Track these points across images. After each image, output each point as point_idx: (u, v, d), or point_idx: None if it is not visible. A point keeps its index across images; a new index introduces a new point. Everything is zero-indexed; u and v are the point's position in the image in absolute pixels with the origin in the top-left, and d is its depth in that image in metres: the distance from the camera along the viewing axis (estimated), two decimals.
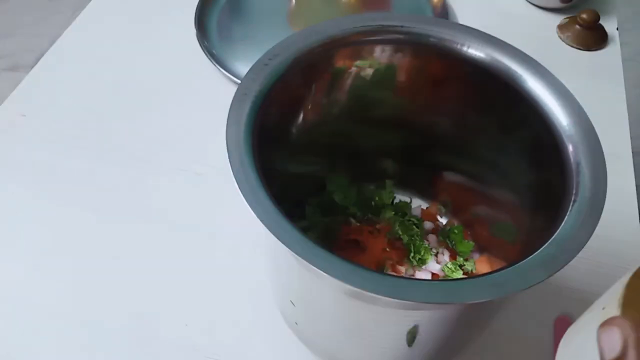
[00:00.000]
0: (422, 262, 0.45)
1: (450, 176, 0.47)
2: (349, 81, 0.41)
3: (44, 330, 0.45)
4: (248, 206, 0.29)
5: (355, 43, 0.38)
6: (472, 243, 0.46)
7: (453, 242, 0.46)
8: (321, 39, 0.37)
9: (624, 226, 0.51)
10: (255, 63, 0.35)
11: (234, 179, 0.30)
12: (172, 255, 0.50)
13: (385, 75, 0.41)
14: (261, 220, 0.28)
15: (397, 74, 0.41)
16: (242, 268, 0.48)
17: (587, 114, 0.34)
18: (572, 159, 0.33)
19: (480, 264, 0.45)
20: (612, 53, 0.68)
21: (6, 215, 0.52)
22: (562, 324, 0.44)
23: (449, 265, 0.45)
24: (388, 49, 0.39)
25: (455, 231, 0.46)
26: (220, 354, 0.44)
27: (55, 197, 0.53)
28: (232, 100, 0.33)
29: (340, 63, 0.40)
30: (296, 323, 0.40)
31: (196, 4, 0.68)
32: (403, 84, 0.42)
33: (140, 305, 0.47)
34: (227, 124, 0.32)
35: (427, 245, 0.46)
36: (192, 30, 0.66)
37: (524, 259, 0.28)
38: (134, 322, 0.46)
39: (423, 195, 0.50)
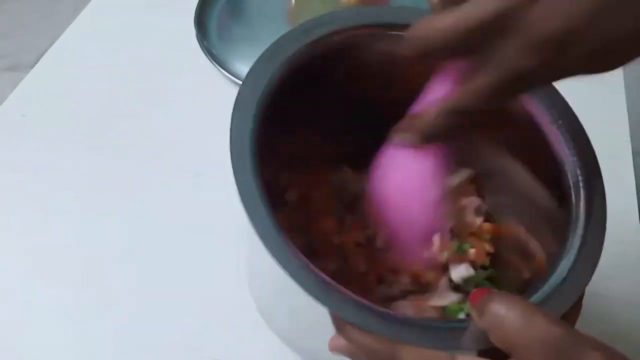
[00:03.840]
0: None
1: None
2: (356, 73, 0.40)
3: (43, 330, 0.45)
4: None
5: (369, 36, 0.38)
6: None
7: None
8: (334, 29, 0.36)
9: (624, 226, 0.51)
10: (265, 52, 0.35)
11: (231, 178, 0.30)
12: (172, 255, 0.50)
13: (388, 70, 0.40)
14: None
15: (400, 70, 0.40)
16: (242, 268, 0.48)
17: (587, 115, 0.34)
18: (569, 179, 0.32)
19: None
20: None
21: (6, 215, 0.52)
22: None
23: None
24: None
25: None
26: (220, 354, 0.44)
27: (55, 197, 0.53)
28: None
29: (352, 54, 0.39)
30: (253, 284, 0.40)
31: (196, 4, 0.68)
32: (405, 82, 0.41)
33: (140, 305, 0.47)
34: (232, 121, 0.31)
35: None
36: (192, 30, 0.66)
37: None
38: (134, 322, 0.46)
39: None
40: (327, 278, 0.26)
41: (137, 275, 0.48)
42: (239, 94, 0.33)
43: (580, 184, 0.32)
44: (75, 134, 0.58)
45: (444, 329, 0.26)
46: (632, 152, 0.58)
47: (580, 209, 0.31)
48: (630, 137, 0.59)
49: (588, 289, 0.29)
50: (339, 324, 0.26)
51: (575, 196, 0.31)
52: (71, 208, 0.52)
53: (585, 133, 0.33)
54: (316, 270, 0.26)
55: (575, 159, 0.33)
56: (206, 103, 0.61)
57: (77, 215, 0.52)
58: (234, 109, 0.32)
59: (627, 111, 0.62)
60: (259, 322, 0.46)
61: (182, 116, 0.60)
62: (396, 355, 0.24)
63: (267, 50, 0.35)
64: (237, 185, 0.29)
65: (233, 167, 0.30)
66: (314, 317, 0.34)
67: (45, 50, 0.66)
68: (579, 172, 0.32)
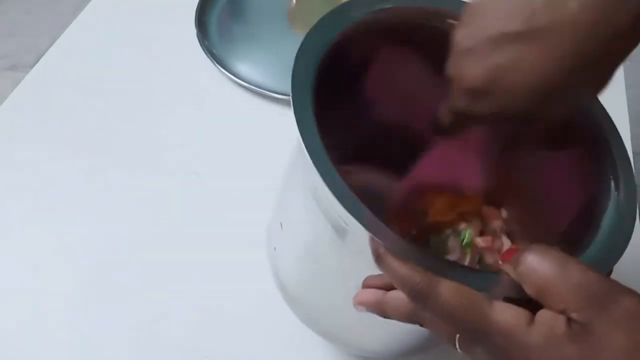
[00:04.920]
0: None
1: None
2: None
3: (43, 330, 0.45)
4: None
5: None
6: None
7: None
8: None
9: None
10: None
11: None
12: (171, 255, 0.50)
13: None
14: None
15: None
16: (242, 269, 0.48)
17: None
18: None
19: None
20: None
21: (6, 215, 0.52)
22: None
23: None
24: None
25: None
26: (220, 354, 0.44)
27: (56, 197, 0.53)
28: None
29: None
30: (275, 248, 0.40)
31: (196, 4, 0.68)
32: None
33: (141, 305, 0.47)
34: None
35: None
36: (192, 30, 0.66)
37: None
38: (134, 322, 0.46)
39: None
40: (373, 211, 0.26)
41: (136, 275, 0.48)
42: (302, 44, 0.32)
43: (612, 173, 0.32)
44: (76, 134, 0.58)
45: (486, 274, 0.26)
46: (632, 152, 0.58)
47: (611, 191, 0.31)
48: (631, 137, 0.59)
49: None
50: (380, 253, 0.26)
51: (614, 182, 0.32)
52: (71, 208, 0.52)
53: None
54: (364, 202, 0.26)
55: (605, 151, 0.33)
56: (207, 103, 0.61)
57: (77, 215, 0.52)
58: (296, 56, 0.31)
59: (627, 111, 0.62)
60: (259, 323, 0.46)
61: (182, 116, 0.60)
62: (434, 289, 0.25)
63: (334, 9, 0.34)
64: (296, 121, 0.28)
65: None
66: (339, 284, 0.34)
67: (45, 50, 0.66)
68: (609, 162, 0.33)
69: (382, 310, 0.29)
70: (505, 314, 0.23)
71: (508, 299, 0.24)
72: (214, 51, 0.65)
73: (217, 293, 0.47)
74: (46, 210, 0.52)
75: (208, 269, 0.49)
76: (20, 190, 0.54)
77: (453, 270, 0.25)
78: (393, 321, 0.29)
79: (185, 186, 0.54)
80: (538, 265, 0.23)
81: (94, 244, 0.50)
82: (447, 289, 0.24)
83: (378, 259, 0.26)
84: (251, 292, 0.47)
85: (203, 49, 0.64)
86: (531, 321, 0.23)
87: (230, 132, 0.59)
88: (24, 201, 0.53)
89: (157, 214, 0.52)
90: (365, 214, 0.26)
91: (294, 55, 0.31)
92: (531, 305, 0.23)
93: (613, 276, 0.27)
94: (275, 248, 0.40)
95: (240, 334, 0.46)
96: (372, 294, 0.29)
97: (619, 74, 0.66)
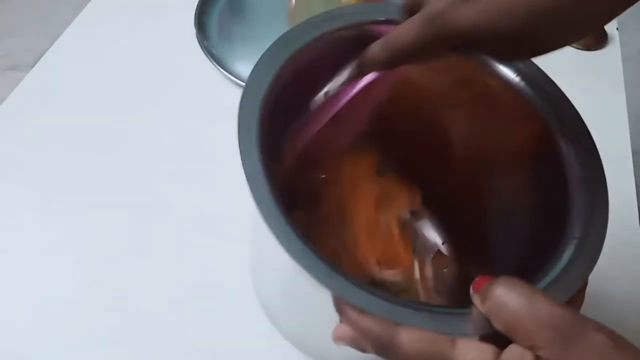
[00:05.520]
0: None
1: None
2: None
3: (43, 330, 0.45)
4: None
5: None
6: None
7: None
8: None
9: (624, 226, 0.51)
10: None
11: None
12: (171, 255, 0.50)
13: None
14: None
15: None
16: (241, 269, 0.48)
17: (587, 115, 0.34)
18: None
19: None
20: (612, 53, 0.68)
21: (7, 215, 0.52)
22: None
23: None
24: None
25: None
26: (219, 354, 0.44)
27: (56, 197, 0.53)
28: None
29: None
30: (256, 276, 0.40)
31: (196, 4, 0.68)
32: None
33: (140, 305, 0.47)
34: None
35: None
36: (192, 30, 0.66)
37: None
38: (133, 322, 0.46)
39: None
40: (329, 260, 0.26)
41: (136, 275, 0.48)
42: (246, 85, 0.32)
43: (581, 178, 0.32)
44: (76, 134, 0.58)
45: (447, 313, 0.26)
46: (632, 151, 0.58)
47: (581, 203, 0.31)
48: (630, 137, 0.59)
49: (588, 289, 0.29)
50: (340, 305, 0.26)
51: (577, 189, 0.31)
52: (71, 208, 0.52)
53: (587, 129, 0.33)
54: (318, 252, 0.26)
55: (575, 150, 0.33)
56: (206, 103, 0.61)
57: (77, 216, 0.52)
58: (241, 100, 0.32)
59: (627, 111, 0.62)
60: (259, 322, 0.46)
61: (182, 116, 0.60)
62: (396, 337, 0.24)
63: (273, 44, 0.34)
64: (244, 168, 0.28)
65: (240, 151, 0.30)
66: (319, 311, 0.34)
67: (45, 50, 0.66)
68: (580, 166, 0.32)
69: (360, 346, 0.28)
70: (469, 354, 0.23)
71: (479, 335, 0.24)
72: (214, 51, 0.64)
73: (218, 292, 0.47)
74: (46, 210, 0.52)
75: (210, 269, 0.49)
76: (20, 190, 0.54)
77: (417, 312, 0.25)
78: None
79: (184, 186, 0.54)
80: (505, 299, 0.23)
81: (94, 244, 0.50)
82: (408, 338, 0.24)
83: (338, 311, 0.26)
84: (252, 292, 0.47)
85: (202, 50, 0.64)
86: (497, 358, 0.23)
87: (229, 132, 0.59)
88: (24, 201, 0.53)
89: (157, 214, 0.52)
90: (324, 269, 0.25)
91: None
92: (502, 339, 0.23)
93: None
94: (257, 281, 0.40)
95: (240, 334, 0.46)
96: (351, 329, 0.28)
97: (619, 74, 0.66)
